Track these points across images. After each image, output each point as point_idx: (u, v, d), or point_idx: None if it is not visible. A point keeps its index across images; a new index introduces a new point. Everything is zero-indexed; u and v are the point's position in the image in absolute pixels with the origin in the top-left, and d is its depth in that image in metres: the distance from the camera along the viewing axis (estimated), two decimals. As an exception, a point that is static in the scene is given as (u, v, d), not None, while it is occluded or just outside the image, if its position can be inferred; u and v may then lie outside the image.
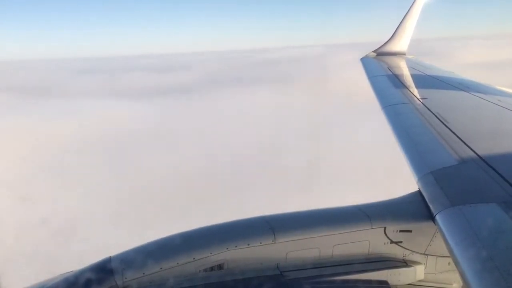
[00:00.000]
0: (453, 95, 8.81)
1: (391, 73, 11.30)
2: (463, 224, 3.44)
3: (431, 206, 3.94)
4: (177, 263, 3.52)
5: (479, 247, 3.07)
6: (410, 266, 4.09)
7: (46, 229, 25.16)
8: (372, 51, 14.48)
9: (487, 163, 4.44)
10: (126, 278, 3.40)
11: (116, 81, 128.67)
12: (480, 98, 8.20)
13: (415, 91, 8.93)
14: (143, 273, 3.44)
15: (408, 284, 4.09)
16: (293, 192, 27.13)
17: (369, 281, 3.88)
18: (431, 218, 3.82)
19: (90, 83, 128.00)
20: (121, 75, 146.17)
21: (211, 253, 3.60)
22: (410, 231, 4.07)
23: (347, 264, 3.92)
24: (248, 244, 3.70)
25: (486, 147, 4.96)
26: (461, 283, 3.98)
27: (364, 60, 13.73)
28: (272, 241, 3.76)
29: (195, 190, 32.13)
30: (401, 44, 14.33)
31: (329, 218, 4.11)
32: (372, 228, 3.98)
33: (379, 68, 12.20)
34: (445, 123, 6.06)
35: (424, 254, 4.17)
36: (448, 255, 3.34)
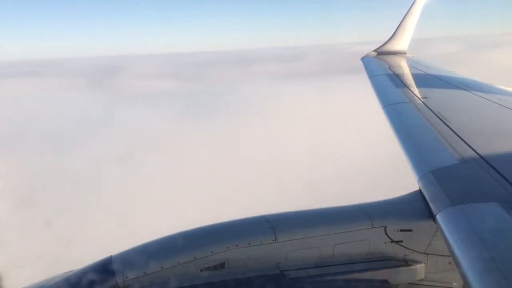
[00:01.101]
0: (453, 94, 8.80)
1: (391, 72, 11.28)
2: (463, 223, 3.44)
3: (431, 205, 3.93)
4: (178, 262, 3.53)
5: (479, 246, 3.07)
6: (411, 265, 4.09)
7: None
8: (373, 50, 14.46)
9: (487, 162, 4.44)
10: (127, 278, 3.40)
11: (269, 70, 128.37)
12: (481, 97, 8.20)
13: (416, 90, 8.92)
14: (144, 273, 3.45)
15: (409, 283, 4.09)
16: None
17: (369, 280, 3.88)
18: (432, 217, 3.82)
19: (256, 72, 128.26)
20: (257, 66, 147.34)
21: (212, 252, 3.61)
22: (411, 230, 4.07)
23: (348, 264, 3.92)
24: (249, 244, 3.71)
25: (486, 146, 4.95)
26: (461, 282, 3.99)
27: (365, 59, 13.71)
28: (273, 240, 3.76)
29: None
30: (401, 43, 14.31)
31: (330, 218, 4.11)
32: (372, 228, 3.98)
33: (380, 67, 12.18)
34: (445, 122, 6.06)
35: (424, 253, 4.17)
36: (449, 254, 3.34)
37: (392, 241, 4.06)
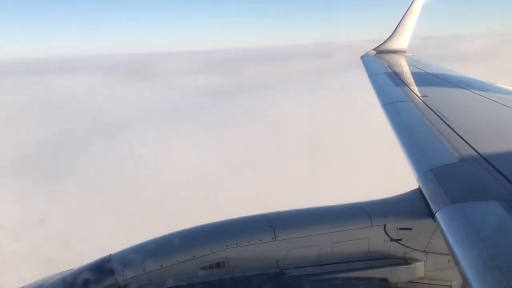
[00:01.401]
0: (453, 93, 8.80)
1: (391, 71, 11.29)
2: (463, 221, 3.44)
3: (431, 204, 3.94)
4: (177, 261, 3.53)
5: (479, 245, 3.07)
6: (410, 263, 4.09)
7: None
8: (372, 49, 14.47)
9: (487, 160, 4.44)
10: (126, 276, 3.40)
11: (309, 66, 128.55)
12: (480, 95, 8.19)
13: (415, 89, 8.92)
14: (143, 271, 3.45)
15: (408, 282, 4.09)
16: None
17: (369, 279, 3.88)
18: (431, 215, 3.82)
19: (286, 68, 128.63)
20: (292, 62, 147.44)
21: (211, 251, 3.61)
22: (410, 229, 4.07)
23: (347, 262, 3.92)
24: (248, 242, 3.71)
25: (486, 145, 4.95)
26: (460, 281, 3.98)
27: (364, 58, 13.72)
28: (272, 238, 3.76)
29: None
30: (401, 42, 14.33)
31: (329, 216, 4.11)
32: (372, 226, 3.98)
33: (379, 66, 12.19)
34: (445, 120, 6.06)
35: (424, 251, 4.17)
36: (448, 252, 3.34)
37: (392, 240, 4.06)
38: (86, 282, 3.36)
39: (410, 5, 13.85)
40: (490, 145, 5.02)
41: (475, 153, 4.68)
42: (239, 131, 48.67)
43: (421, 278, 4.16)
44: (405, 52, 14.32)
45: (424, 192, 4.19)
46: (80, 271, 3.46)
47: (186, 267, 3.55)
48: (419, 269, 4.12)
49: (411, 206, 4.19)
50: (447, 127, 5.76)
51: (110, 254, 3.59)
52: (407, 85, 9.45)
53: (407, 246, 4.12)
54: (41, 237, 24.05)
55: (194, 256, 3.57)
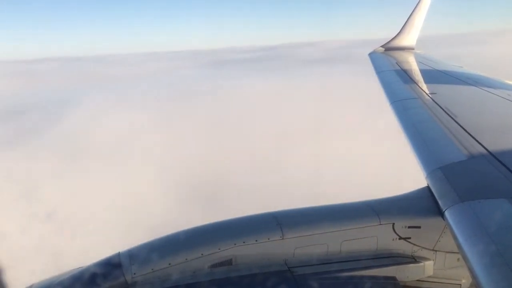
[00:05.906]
0: (462, 90, 8.73)
1: (399, 68, 11.22)
2: (472, 220, 3.42)
3: (440, 202, 3.91)
4: (186, 259, 3.54)
5: (488, 243, 3.05)
6: (419, 262, 4.07)
7: None
8: (380, 46, 14.38)
9: (496, 158, 4.40)
10: (135, 274, 3.43)
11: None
12: (489, 92, 8.12)
13: (424, 86, 8.86)
14: (152, 269, 3.47)
15: (417, 280, 4.08)
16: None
17: (377, 277, 3.87)
18: (440, 214, 3.79)
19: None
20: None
21: (219, 249, 3.62)
22: (419, 227, 4.05)
23: (355, 260, 3.91)
24: (256, 240, 3.71)
25: (495, 142, 4.91)
26: (470, 279, 3.96)
27: (372, 55, 13.65)
28: (280, 237, 3.76)
29: None
30: (409, 39, 14.23)
31: (337, 214, 4.11)
32: (380, 224, 3.97)
33: (387, 63, 12.12)
34: (454, 118, 6.01)
35: (433, 250, 4.15)
36: (457, 251, 3.32)
37: (400, 238, 4.04)
38: (95, 280, 3.39)
39: (419, 1, 13.74)
40: (499, 142, 4.98)
41: (485, 151, 4.64)
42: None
43: (430, 276, 4.14)
44: (413, 49, 14.21)
45: (433, 190, 4.16)
46: (89, 269, 3.49)
47: (194, 265, 3.57)
48: (428, 267, 4.10)
49: (419, 204, 4.16)
50: (456, 124, 5.71)
51: (119, 252, 3.62)
52: (415, 82, 9.38)
53: (416, 245, 4.10)
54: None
55: (202, 254, 3.58)
